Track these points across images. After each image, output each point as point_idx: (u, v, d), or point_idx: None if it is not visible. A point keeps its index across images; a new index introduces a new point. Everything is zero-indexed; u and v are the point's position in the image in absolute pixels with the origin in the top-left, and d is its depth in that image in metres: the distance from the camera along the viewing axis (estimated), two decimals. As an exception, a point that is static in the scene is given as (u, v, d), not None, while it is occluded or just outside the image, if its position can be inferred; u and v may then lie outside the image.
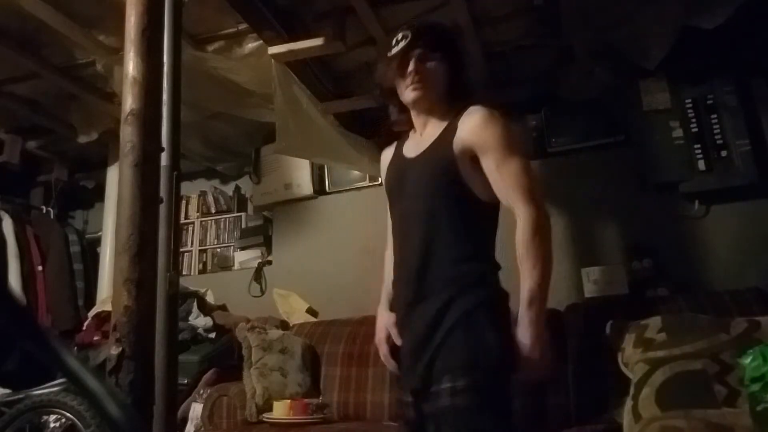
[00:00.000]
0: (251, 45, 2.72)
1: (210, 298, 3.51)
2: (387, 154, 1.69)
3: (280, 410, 2.54)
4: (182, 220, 3.97)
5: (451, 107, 1.51)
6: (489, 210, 1.47)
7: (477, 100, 1.51)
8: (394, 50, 1.52)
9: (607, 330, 2.13)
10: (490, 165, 1.40)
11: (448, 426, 1.30)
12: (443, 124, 1.50)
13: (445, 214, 1.42)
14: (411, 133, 1.62)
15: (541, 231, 1.34)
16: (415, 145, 1.55)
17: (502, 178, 1.39)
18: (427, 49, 1.50)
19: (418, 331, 1.39)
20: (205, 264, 3.92)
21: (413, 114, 1.57)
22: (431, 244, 1.41)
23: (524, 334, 1.30)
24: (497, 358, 1.31)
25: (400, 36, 1.52)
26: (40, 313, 3.56)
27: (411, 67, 1.49)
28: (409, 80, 1.50)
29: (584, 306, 2.65)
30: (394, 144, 1.67)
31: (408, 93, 1.51)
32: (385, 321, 1.58)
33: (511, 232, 1.38)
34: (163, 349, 1.57)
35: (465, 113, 1.46)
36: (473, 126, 1.43)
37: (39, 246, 3.73)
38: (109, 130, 3.48)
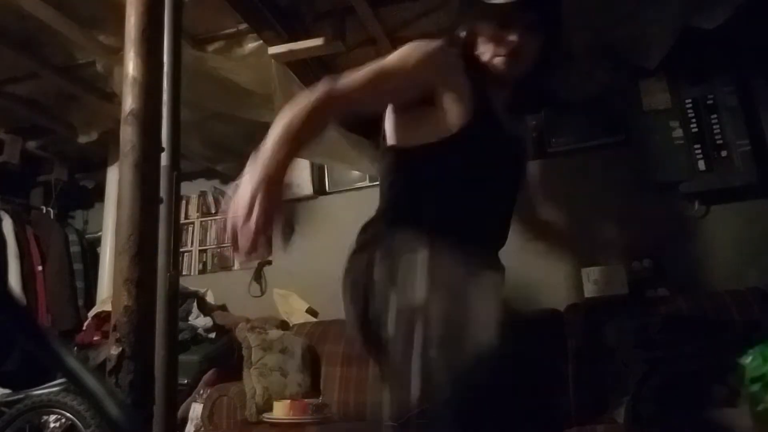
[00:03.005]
0: (251, 45, 2.72)
1: (210, 298, 3.51)
2: None
3: (280, 410, 2.54)
4: (182, 220, 3.97)
5: None
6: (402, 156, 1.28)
7: None
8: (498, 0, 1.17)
9: (607, 330, 2.13)
10: None
11: None
12: None
13: None
14: None
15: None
16: None
17: None
18: (539, 19, 1.21)
19: None
20: (205, 264, 3.92)
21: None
22: None
23: None
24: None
25: None
26: (40, 313, 3.56)
27: (514, 36, 1.19)
28: (503, 50, 1.20)
29: (584, 306, 2.65)
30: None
31: (497, 62, 1.21)
32: None
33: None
34: (163, 349, 1.57)
35: None
36: None
37: (39, 246, 3.73)
38: (109, 130, 3.48)
